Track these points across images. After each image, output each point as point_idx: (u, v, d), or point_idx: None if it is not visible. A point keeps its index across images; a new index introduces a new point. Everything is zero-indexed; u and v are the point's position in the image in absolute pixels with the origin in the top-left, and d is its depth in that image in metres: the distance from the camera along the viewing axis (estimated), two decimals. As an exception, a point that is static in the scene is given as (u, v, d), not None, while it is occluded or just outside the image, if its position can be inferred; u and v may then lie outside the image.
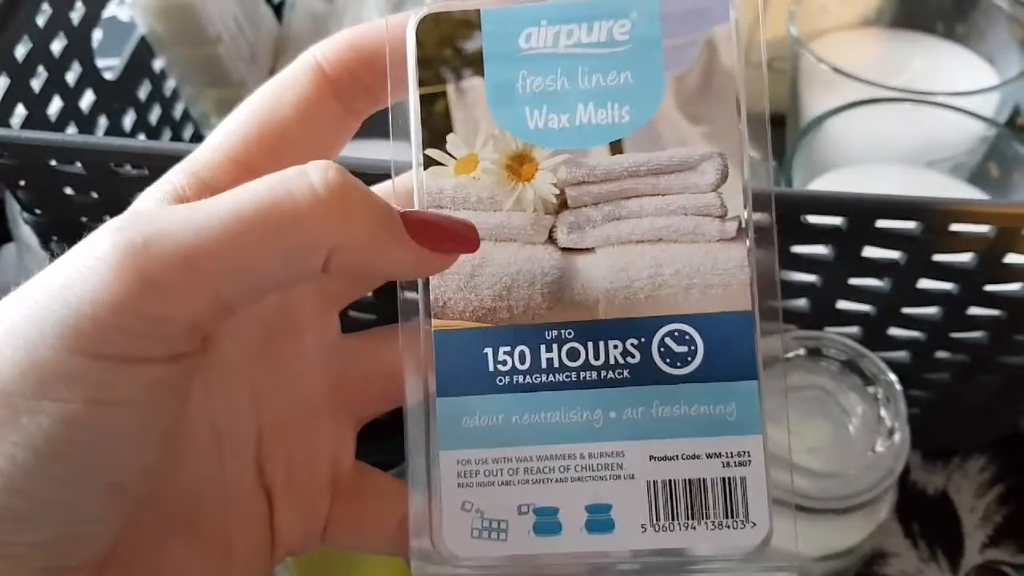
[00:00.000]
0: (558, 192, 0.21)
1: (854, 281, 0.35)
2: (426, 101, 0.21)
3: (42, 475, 0.17)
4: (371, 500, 0.24)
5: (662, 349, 0.21)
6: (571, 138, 0.21)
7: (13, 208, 0.49)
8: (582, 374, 0.21)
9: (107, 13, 0.46)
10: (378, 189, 0.25)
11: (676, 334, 0.21)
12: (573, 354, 0.21)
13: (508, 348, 0.21)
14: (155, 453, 0.19)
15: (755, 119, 0.21)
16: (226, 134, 0.21)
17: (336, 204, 0.18)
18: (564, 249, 0.21)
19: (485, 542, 0.21)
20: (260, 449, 0.23)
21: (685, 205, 0.21)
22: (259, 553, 0.22)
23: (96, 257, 0.16)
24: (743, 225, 0.20)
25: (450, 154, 0.21)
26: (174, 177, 0.20)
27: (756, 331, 0.20)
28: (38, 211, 0.39)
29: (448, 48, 0.21)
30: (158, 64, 0.49)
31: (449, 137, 0.21)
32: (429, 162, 0.21)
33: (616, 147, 0.21)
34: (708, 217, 0.21)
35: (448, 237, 0.20)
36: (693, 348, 0.20)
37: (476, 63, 0.21)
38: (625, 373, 0.21)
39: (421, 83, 0.21)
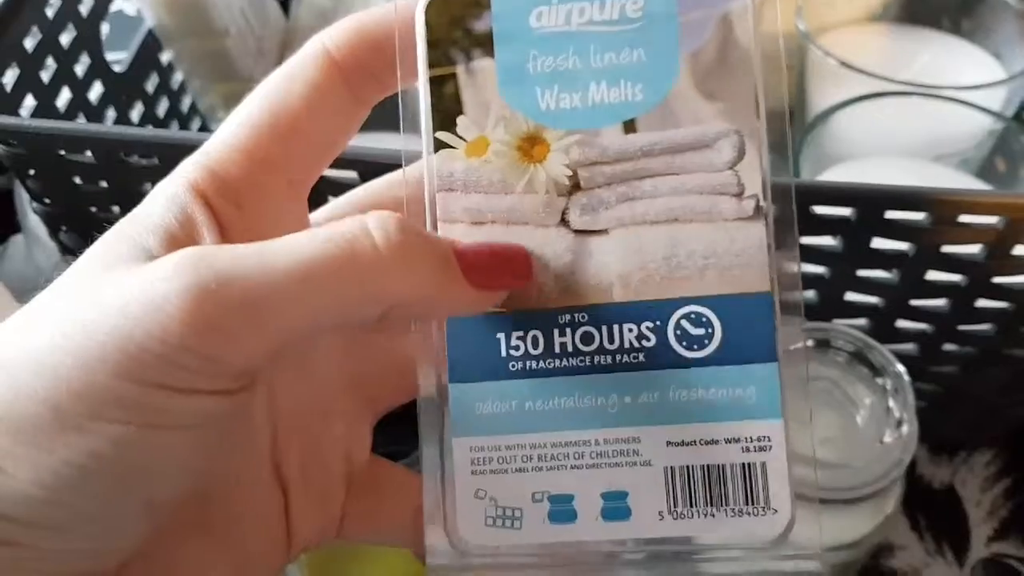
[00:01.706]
0: (570, 173, 0.20)
1: (862, 273, 0.35)
2: (436, 83, 0.21)
3: (84, 491, 0.17)
4: (387, 493, 0.23)
5: (678, 332, 0.20)
6: (583, 118, 0.20)
7: (22, 198, 0.49)
8: (596, 358, 0.20)
9: (115, 6, 0.46)
10: (389, 178, 0.25)
11: (692, 316, 0.20)
12: (587, 338, 0.20)
13: (521, 333, 0.20)
14: (195, 476, 0.19)
15: (773, 96, 0.20)
16: (237, 126, 0.21)
17: (397, 263, 0.18)
18: (577, 231, 0.20)
19: (499, 530, 0.20)
20: (276, 444, 0.23)
21: (701, 184, 0.20)
22: (275, 547, 0.22)
23: (165, 297, 0.17)
24: (760, 203, 0.20)
25: (460, 136, 0.21)
26: (188, 171, 0.20)
27: (775, 312, 0.20)
28: (47, 200, 0.39)
29: (457, 29, 0.20)
30: (166, 57, 0.49)
31: (459, 119, 0.21)
32: (439, 145, 0.21)
33: (630, 126, 0.20)
34: (725, 196, 0.20)
35: (503, 277, 0.20)
36: (710, 330, 0.20)
37: (486, 44, 0.20)
38: (641, 357, 0.20)
39: (431, 65, 0.21)
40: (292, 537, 0.22)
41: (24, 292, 0.42)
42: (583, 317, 0.20)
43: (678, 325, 0.20)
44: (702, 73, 0.20)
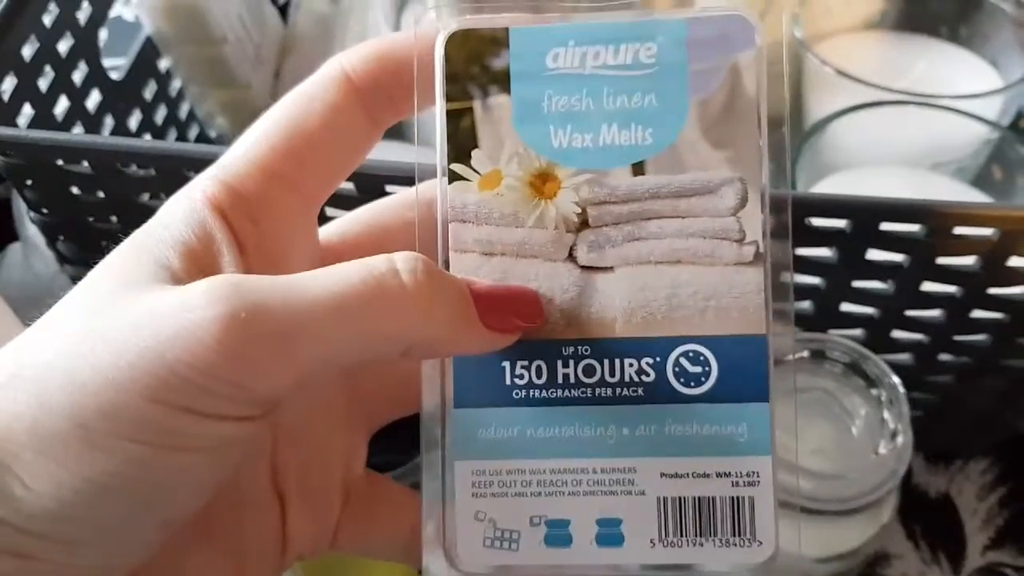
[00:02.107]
0: (580, 211, 0.21)
1: (858, 283, 0.35)
2: (452, 116, 0.21)
3: (103, 508, 0.18)
4: (382, 507, 0.24)
5: (677, 369, 0.21)
6: (594, 158, 0.21)
7: (20, 207, 0.49)
8: (597, 390, 0.21)
9: (113, 13, 0.46)
10: (397, 198, 0.25)
11: (691, 354, 0.21)
12: (589, 370, 0.21)
13: (526, 362, 0.21)
14: (209, 495, 0.19)
15: (776, 144, 0.21)
16: (253, 142, 0.21)
17: (422, 303, 0.18)
18: (584, 267, 0.21)
19: (497, 551, 0.21)
20: (275, 455, 0.23)
21: (704, 228, 0.21)
22: (272, 556, 0.23)
23: (198, 324, 0.17)
24: (760, 250, 0.21)
25: (475, 169, 0.21)
26: (205, 185, 0.20)
27: (769, 354, 0.21)
28: (45, 210, 0.39)
29: (476, 65, 0.21)
30: (164, 64, 0.49)
31: (474, 153, 0.21)
32: (454, 177, 0.21)
33: (638, 168, 0.21)
34: (726, 241, 0.21)
35: (516, 320, 0.20)
36: (707, 369, 0.21)
37: (503, 80, 0.21)
38: (640, 391, 0.21)
39: (448, 98, 0.21)
40: (287, 547, 0.23)
41: (22, 301, 0.42)
42: (586, 350, 0.21)
43: (677, 362, 0.21)
44: (710, 120, 0.21)
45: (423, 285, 0.18)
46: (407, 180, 0.29)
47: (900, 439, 0.33)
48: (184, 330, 0.17)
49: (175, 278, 0.19)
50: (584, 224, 0.21)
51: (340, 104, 0.21)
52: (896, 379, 0.34)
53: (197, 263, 0.19)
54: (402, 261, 0.19)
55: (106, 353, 0.17)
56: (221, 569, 0.22)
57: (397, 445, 0.27)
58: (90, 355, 0.17)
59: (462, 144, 0.21)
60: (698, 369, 0.21)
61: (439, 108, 0.21)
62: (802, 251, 0.34)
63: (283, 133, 0.21)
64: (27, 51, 0.39)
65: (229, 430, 0.18)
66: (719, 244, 0.21)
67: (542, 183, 0.21)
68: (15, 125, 0.38)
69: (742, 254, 0.21)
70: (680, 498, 0.21)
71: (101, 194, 0.37)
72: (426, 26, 0.21)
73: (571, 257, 0.21)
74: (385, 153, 0.29)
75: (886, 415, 0.34)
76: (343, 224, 0.24)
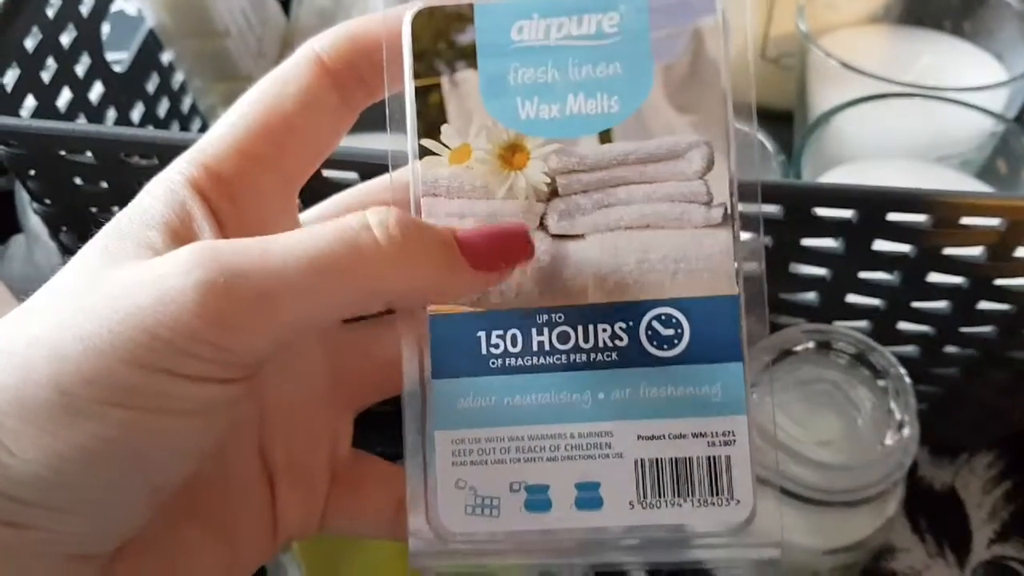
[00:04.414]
0: (549, 180, 0.21)
1: (864, 274, 0.35)
2: (421, 93, 0.22)
3: (91, 474, 0.18)
4: (368, 486, 0.24)
5: (649, 332, 0.21)
6: (562, 128, 0.21)
7: (22, 198, 0.49)
8: (572, 356, 0.21)
9: (115, 6, 0.46)
10: (376, 182, 0.25)
11: (663, 317, 0.21)
12: (563, 337, 0.21)
13: (500, 332, 0.21)
14: (199, 461, 0.20)
15: (741, 107, 0.21)
16: (230, 124, 0.21)
17: (398, 256, 0.19)
18: (555, 236, 0.21)
19: (478, 518, 0.21)
20: (263, 436, 0.23)
21: (672, 192, 0.21)
22: (263, 536, 0.23)
23: (178, 290, 0.17)
24: (728, 211, 0.21)
25: (444, 144, 0.22)
26: (184, 167, 0.21)
27: (741, 314, 0.21)
28: (47, 201, 0.39)
29: (442, 41, 0.21)
30: (166, 57, 0.49)
31: (443, 128, 0.21)
32: (424, 152, 0.22)
33: (605, 136, 0.21)
34: (694, 204, 0.21)
35: (505, 256, 0.21)
36: (680, 331, 0.21)
37: (470, 56, 0.21)
38: (614, 356, 0.21)
39: (416, 75, 0.21)
40: (277, 527, 0.23)
41: (24, 292, 0.42)
42: (560, 317, 0.21)
43: (649, 326, 0.21)
44: (674, 86, 0.21)
45: (395, 237, 0.19)
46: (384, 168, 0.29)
47: (907, 430, 0.33)
48: (165, 295, 0.17)
49: (156, 255, 0.19)
50: (554, 193, 0.22)
51: (313, 86, 0.21)
52: (902, 370, 0.34)
53: (177, 241, 0.20)
54: (373, 215, 0.19)
55: (87, 323, 0.17)
56: (213, 549, 0.22)
57: (395, 436, 0.27)
58: (73, 327, 0.17)
59: (431, 120, 0.22)
60: (671, 332, 0.21)
61: (408, 85, 0.22)
62: (808, 242, 0.34)
63: (259, 115, 0.21)
64: (30, 43, 0.39)
65: (212, 392, 0.18)
66: (687, 207, 0.21)
67: (511, 155, 0.21)
68: (18, 116, 0.38)
69: (710, 216, 0.21)
70: (657, 459, 0.21)
71: (104, 185, 0.37)
72: (396, 6, 0.22)
73: (542, 226, 0.22)
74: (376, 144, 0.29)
75: (892, 406, 0.33)
76: (322, 209, 0.25)
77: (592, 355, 0.21)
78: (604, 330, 0.21)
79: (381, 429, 0.26)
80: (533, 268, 0.21)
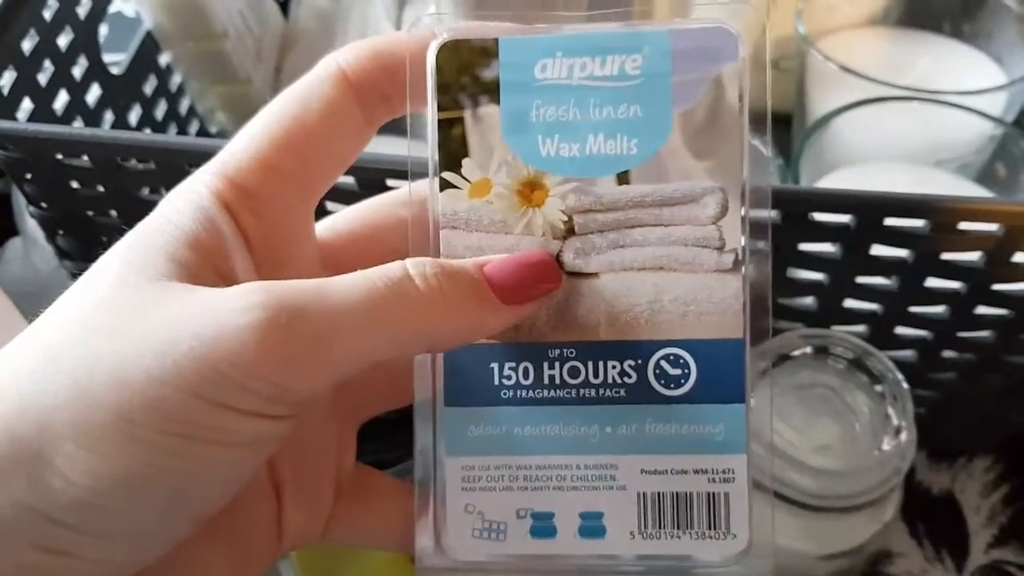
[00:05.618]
0: (566, 219, 0.22)
1: (861, 279, 0.35)
2: (444, 125, 0.22)
3: (137, 501, 0.18)
4: (373, 499, 0.24)
5: (657, 371, 0.22)
6: (581, 167, 0.22)
7: (19, 202, 0.49)
8: (581, 391, 0.22)
9: (113, 8, 0.46)
10: (392, 196, 0.25)
11: (671, 357, 0.22)
12: (574, 372, 0.22)
13: (513, 364, 0.22)
14: (235, 490, 0.20)
15: (757, 157, 0.21)
16: (253, 137, 0.21)
17: (438, 303, 0.20)
18: (570, 273, 0.22)
19: (485, 542, 0.22)
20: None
21: (686, 236, 0.22)
22: (269, 546, 0.23)
23: (241, 327, 0.18)
24: (739, 257, 0.21)
25: (465, 178, 0.22)
26: (208, 180, 0.21)
27: (747, 358, 0.21)
28: (44, 205, 0.39)
29: (466, 75, 0.22)
30: (164, 59, 0.49)
31: (464, 161, 0.22)
32: (445, 185, 0.22)
33: (623, 178, 0.22)
34: (707, 248, 0.21)
35: (533, 288, 0.21)
36: (687, 371, 0.22)
37: (493, 91, 0.22)
38: (622, 392, 0.22)
39: (440, 108, 0.22)
40: (282, 537, 0.23)
41: (22, 296, 0.42)
42: (571, 352, 0.22)
43: (657, 365, 0.22)
44: (693, 131, 0.21)
45: (433, 285, 0.19)
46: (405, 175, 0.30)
47: (904, 435, 0.33)
48: (227, 332, 0.18)
49: (189, 272, 0.19)
50: (570, 231, 0.22)
51: (337, 100, 0.21)
52: (900, 375, 0.34)
53: (207, 257, 0.20)
54: (412, 266, 0.20)
55: (149, 352, 0.18)
56: (225, 558, 0.22)
57: (391, 444, 0.28)
58: (134, 356, 0.18)
59: (453, 153, 0.22)
60: (678, 371, 0.22)
61: (430, 117, 0.22)
62: (806, 246, 0.34)
63: (282, 128, 0.21)
64: (27, 45, 0.39)
65: (263, 427, 0.19)
66: (700, 252, 0.22)
67: (530, 191, 0.22)
68: (14, 119, 0.38)
69: (722, 262, 0.22)
70: (659, 493, 0.22)
71: (101, 188, 0.37)
72: (419, 28, 0.22)
73: (558, 263, 0.22)
74: (385, 148, 0.29)
75: (890, 411, 0.33)
76: (335, 220, 0.25)
77: (601, 390, 0.22)
78: (614, 367, 0.22)
79: (378, 436, 0.26)
80: (547, 303, 0.22)
